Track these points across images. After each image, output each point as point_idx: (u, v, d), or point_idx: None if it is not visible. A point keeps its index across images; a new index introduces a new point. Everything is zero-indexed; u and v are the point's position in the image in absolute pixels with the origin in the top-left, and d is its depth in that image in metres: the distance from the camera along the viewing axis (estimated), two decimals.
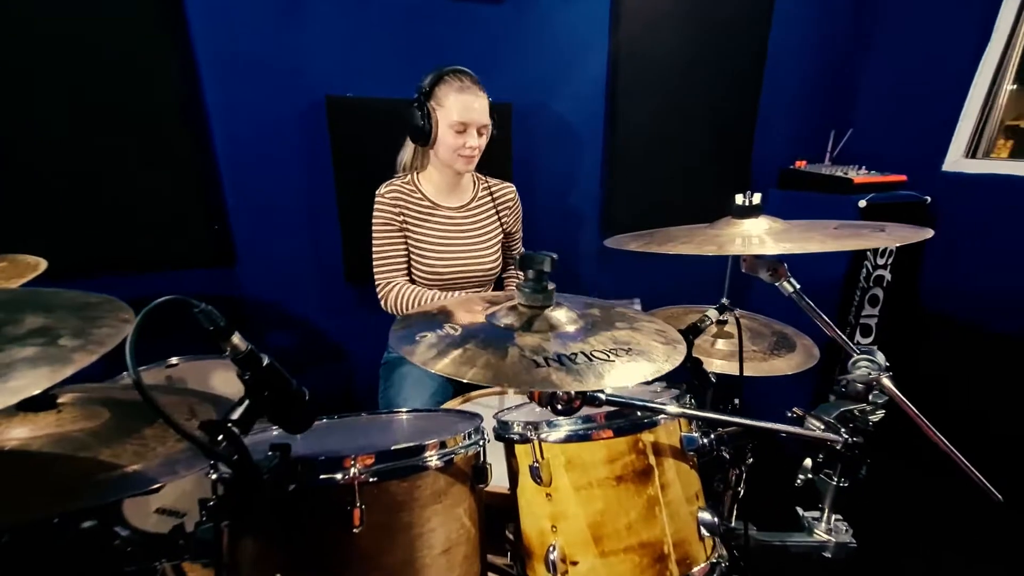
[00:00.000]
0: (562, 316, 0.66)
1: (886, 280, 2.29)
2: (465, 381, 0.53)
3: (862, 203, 2.11)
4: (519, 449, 0.75)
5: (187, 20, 1.59)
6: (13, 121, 1.47)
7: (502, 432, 0.77)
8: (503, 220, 1.66)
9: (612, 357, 0.59)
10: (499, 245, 1.65)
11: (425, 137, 1.42)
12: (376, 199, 1.52)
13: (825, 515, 0.90)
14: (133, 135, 1.59)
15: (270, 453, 0.60)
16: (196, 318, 0.55)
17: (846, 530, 0.89)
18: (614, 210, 2.29)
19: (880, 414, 0.82)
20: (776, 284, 0.89)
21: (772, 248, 0.83)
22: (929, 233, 0.86)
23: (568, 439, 0.71)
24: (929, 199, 2.22)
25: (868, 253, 2.22)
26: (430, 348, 0.58)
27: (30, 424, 0.77)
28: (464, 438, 0.70)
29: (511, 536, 0.80)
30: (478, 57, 1.85)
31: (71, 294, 0.66)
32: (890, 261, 2.26)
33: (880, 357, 0.80)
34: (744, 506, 0.93)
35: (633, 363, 0.60)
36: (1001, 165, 2.13)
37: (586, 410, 0.68)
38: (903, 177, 2.23)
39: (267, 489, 0.57)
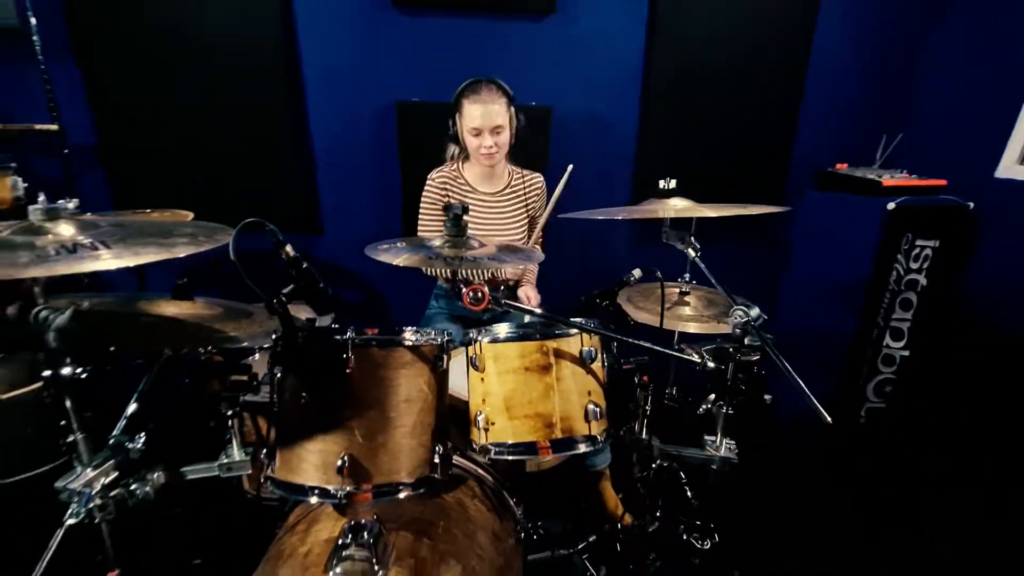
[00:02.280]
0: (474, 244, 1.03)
1: (920, 285, 2.29)
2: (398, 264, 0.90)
3: (891, 205, 2.16)
4: (469, 349, 1.09)
5: (297, 41, 2.10)
6: (173, 118, 2.08)
7: (463, 339, 1.12)
8: (530, 205, 1.98)
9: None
10: (525, 225, 1.98)
11: (455, 140, 1.79)
12: (427, 182, 1.91)
13: (718, 437, 1.14)
14: (253, 127, 2.15)
15: (305, 321, 1.00)
16: (268, 232, 0.95)
17: (732, 449, 1.12)
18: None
19: (755, 356, 1.04)
20: (684, 249, 1.13)
21: (675, 212, 1.09)
22: (768, 209, 1.07)
23: (495, 341, 1.05)
24: (972, 204, 2.19)
25: (899, 256, 2.25)
26: (386, 251, 0.96)
27: (176, 306, 1.25)
28: (432, 334, 1.05)
29: None
30: (522, 65, 2.20)
31: (206, 223, 1.11)
32: (925, 266, 2.26)
33: (755, 311, 1.02)
34: (656, 425, 1.19)
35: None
36: None
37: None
38: (942, 181, 2.22)
39: (302, 341, 0.97)
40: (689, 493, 1.58)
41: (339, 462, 0.95)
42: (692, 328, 1.44)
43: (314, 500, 0.96)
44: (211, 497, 1.64)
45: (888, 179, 2.21)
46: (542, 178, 2.02)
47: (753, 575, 1.66)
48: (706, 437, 1.16)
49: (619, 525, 1.66)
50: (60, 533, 0.96)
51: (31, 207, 0.91)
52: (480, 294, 0.92)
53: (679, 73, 2.36)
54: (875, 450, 2.46)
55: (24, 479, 1.73)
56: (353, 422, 0.97)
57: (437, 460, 1.04)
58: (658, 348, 1.01)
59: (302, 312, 1.21)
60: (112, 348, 1.04)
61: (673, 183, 1.16)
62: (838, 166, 2.48)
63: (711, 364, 1.00)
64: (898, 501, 2.17)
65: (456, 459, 1.29)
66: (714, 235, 2.63)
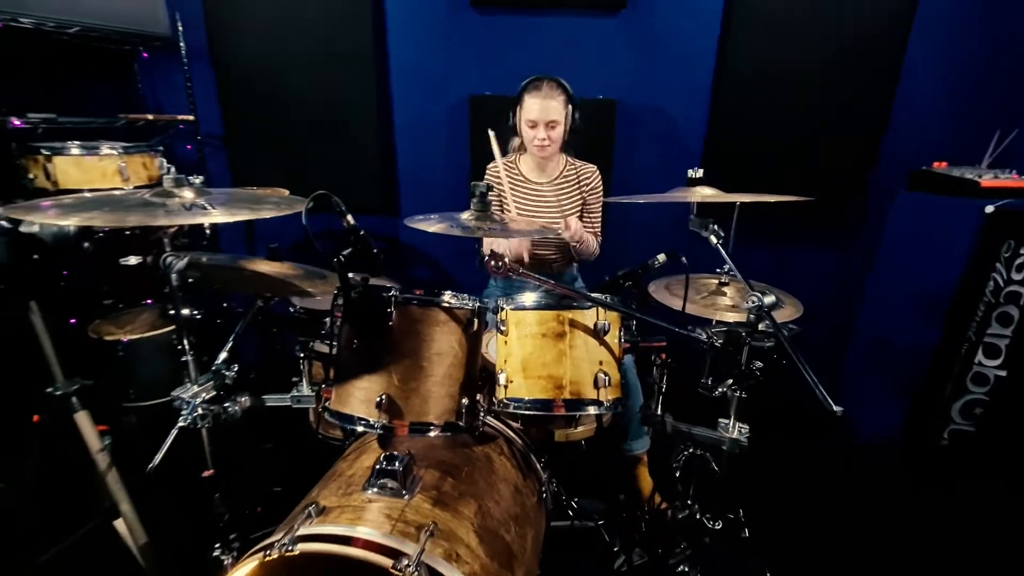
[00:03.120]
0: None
1: None
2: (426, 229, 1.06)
3: (989, 208, 1.97)
4: (498, 315, 1.23)
5: (387, 41, 2.35)
6: (281, 111, 2.41)
7: (492, 307, 1.25)
8: (584, 194, 2.07)
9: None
10: (576, 214, 2.07)
11: (513, 132, 1.92)
12: (487, 171, 2.06)
13: (732, 420, 1.17)
14: (346, 119, 2.43)
15: (359, 279, 1.19)
16: (333, 204, 1.15)
17: (743, 433, 1.15)
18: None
19: (768, 343, 1.07)
20: (707, 235, 1.17)
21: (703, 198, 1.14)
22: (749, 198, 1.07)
23: (518, 308, 1.17)
24: None
25: (998, 266, 2.04)
26: (424, 221, 1.13)
27: (269, 266, 1.51)
28: (467, 298, 1.20)
29: None
30: (590, 60, 2.29)
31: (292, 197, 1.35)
32: None
33: (769, 298, 1.05)
34: (672, 402, 1.24)
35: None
36: None
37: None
38: None
39: (355, 296, 1.16)
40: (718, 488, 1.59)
41: (378, 399, 1.13)
42: (729, 317, 1.46)
43: (360, 428, 1.15)
44: (290, 439, 1.94)
45: (989, 180, 2.01)
46: (596, 169, 2.08)
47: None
48: (720, 420, 1.20)
49: (646, 507, 1.71)
50: (174, 432, 1.24)
51: (164, 176, 1.17)
52: (500, 263, 1.05)
53: (754, 70, 2.30)
54: (957, 476, 2.25)
55: (163, 402, 2.16)
56: (391, 367, 1.15)
57: (463, 410, 1.19)
58: (667, 326, 1.07)
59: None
60: (217, 287, 1.30)
61: (700, 172, 1.20)
62: (935, 165, 2.29)
63: (718, 344, 1.04)
64: (973, 540, 1.98)
65: (490, 420, 1.44)
66: (792, 238, 2.54)
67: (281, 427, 1.99)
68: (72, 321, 2.11)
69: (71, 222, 1.00)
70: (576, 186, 2.06)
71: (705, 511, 1.55)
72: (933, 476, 2.27)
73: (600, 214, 2.13)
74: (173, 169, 1.23)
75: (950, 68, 2.30)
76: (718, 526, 1.42)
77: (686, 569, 1.46)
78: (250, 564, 0.98)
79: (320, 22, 2.31)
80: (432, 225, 1.10)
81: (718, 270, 1.49)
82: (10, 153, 1.86)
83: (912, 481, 2.26)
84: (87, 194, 1.37)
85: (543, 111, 1.82)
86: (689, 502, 1.55)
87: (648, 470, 1.99)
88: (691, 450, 1.49)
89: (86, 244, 1.88)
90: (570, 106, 1.88)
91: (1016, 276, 2.03)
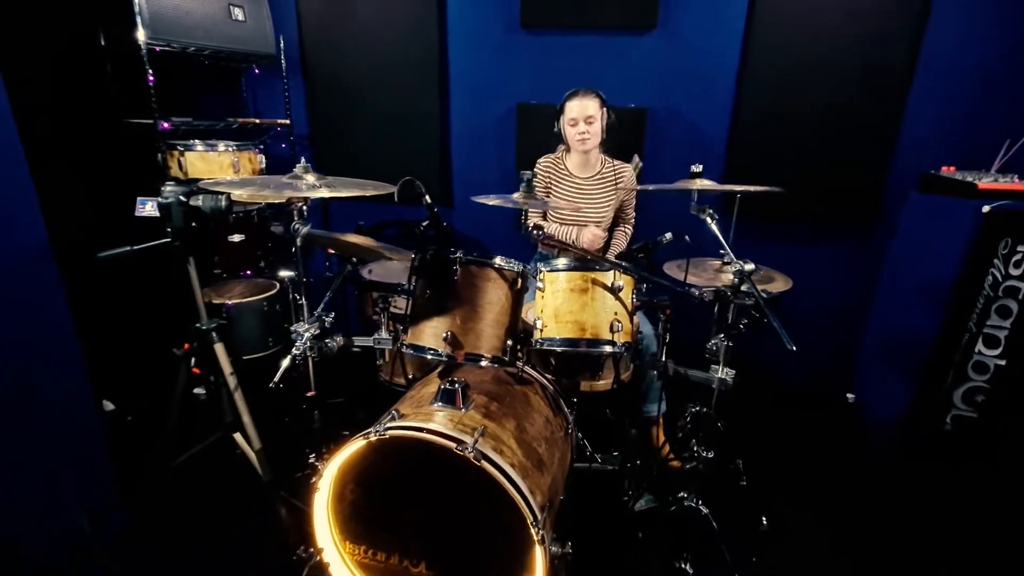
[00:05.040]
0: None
1: (1022, 292, 2.23)
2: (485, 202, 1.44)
3: (986, 208, 2.16)
4: (538, 276, 1.58)
5: (447, 54, 2.75)
6: (357, 115, 2.86)
7: (532, 270, 1.61)
8: (619, 188, 2.40)
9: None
10: (611, 207, 2.40)
11: (559, 137, 2.28)
12: (536, 165, 2.43)
13: (720, 365, 1.47)
14: (413, 123, 2.87)
15: (432, 250, 1.56)
16: (417, 189, 1.53)
17: (730, 375, 1.45)
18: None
19: (749, 300, 1.37)
20: (704, 217, 1.47)
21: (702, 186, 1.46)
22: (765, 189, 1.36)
23: (553, 270, 1.53)
24: None
25: (996, 262, 2.23)
26: (486, 197, 1.50)
27: (357, 238, 1.91)
28: (513, 262, 1.55)
29: None
30: (624, 73, 2.61)
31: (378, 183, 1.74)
32: None
33: (749, 266, 1.35)
34: (674, 350, 1.56)
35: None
36: None
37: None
38: None
39: (429, 257, 1.54)
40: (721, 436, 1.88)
41: (444, 335, 1.50)
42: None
43: (429, 357, 1.53)
44: (364, 391, 2.34)
45: (987, 182, 2.20)
46: (630, 168, 2.42)
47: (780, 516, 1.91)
48: (712, 366, 1.51)
49: (657, 459, 2.01)
50: (289, 358, 1.65)
51: (297, 165, 1.58)
52: (540, 231, 1.40)
53: (772, 82, 2.56)
54: (961, 459, 2.43)
55: (256, 357, 2.63)
56: (455, 311, 1.52)
57: (507, 349, 1.54)
58: (669, 284, 1.39)
59: None
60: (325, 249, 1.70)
61: (700, 167, 1.52)
62: (944, 169, 2.48)
63: (707, 299, 1.36)
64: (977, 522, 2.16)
65: (527, 369, 1.79)
66: (810, 239, 2.78)
67: (354, 380, 2.40)
68: None
69: (240, 192, 1.42)
70: (613, 182, 2.39)
71: (707, 458, 1.84)
72: (935, 456, 2.46)
73: (633, 207, 2.47)
74: (304, 161, 1.63)
75: (960, 77, 2.48)
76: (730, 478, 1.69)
77: (693, 505, 1.74)
78: (356, 444, 1.36)
79: (392, 38, 2.74)
80: (492, 199, 1.46)
81: (721, 251, 1.79)
82: (159, 148, 2.36)
83: (913, 459, 2.46)
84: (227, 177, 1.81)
85: (581, 109, 2.18)
86: (695, 452, 1.84)
87: (663, 431, 2.29)
88: (696, 408, 1.79)
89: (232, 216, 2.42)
90: (604, 108, 2.22)
91: (1014, 271, 2.21)
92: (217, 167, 2.50)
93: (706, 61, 2.59)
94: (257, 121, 2.72)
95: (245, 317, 2.63)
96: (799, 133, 2.63)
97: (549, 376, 1.85)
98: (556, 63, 2.68)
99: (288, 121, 2.84)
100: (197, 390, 2.50)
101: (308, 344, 1.64)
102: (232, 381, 1.82)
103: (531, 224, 1.40)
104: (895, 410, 2.55)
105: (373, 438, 1.34)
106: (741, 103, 2.63)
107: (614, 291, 1.46)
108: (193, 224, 1.67)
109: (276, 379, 1.63)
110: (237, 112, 2.83)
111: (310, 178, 1.57)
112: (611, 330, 1.45)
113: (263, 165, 2.76)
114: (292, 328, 1.64)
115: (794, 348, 1.23)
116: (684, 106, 2.68)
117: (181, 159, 2.43)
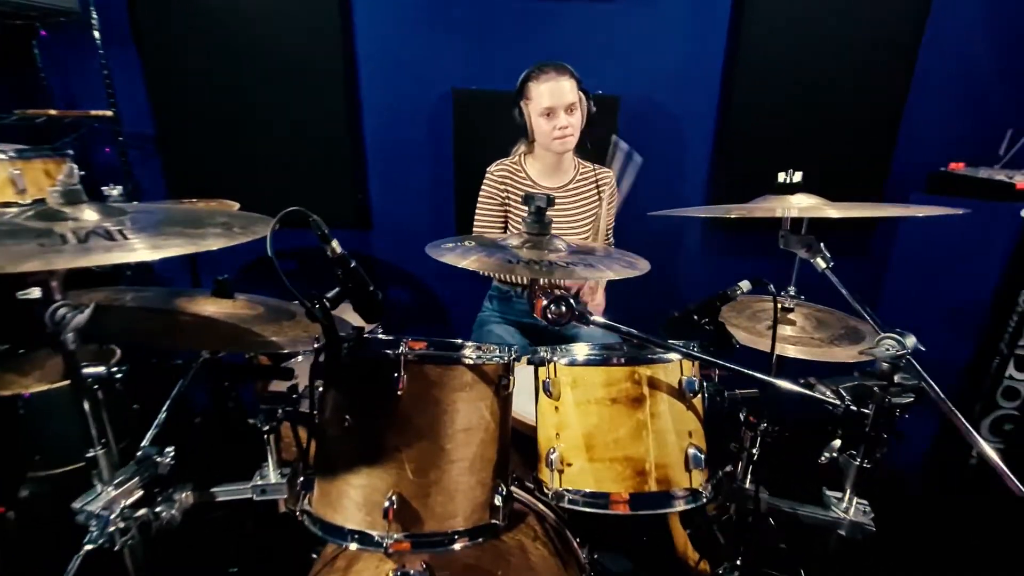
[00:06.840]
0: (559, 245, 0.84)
1: None
2: (466, 267, 0.73)
3: None
4: (540, 370, 0.91)
5: (352, 20, 1.98)
6: (228, 109, 2.01)
7: (532, 357, 0.94)
8: (603, 199, 1.79)
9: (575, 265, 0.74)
10: (592, 222, 1.79)
11: (524, 132, 1.62)
12: (486, 175, 1.75)
13: (847, 495, 0.91)
14: (304, 114, 2.07)
15: (351, 332, 0.84)
16: (312, 225, 0.81)
17: (865, 512, 0.89)
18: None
19: (908, 399, 0.81)
20: (811, 260, 0.91)
21: (799, 212, 0.87)
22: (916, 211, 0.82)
23: (574, 363, 0.86)
24: None
25: None
26: (451, 251, 0.79)
27: (216, 305, 1.14)
28: (497, 350, 0.88)
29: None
30: (588, 51, 2.01)
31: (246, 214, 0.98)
32: None
33: (911, 340, 0.79)
34: (762, 471, 0.97)
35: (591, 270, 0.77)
36: None
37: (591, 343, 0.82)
38: None
39: (346, 354, 0.82)
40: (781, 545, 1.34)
41: (386, 502, 0.79)
42: (792, 352, 1.21)
43: (354, 547, 0.80)
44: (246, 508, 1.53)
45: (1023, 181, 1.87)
46: (611, 172, 1.83)
47: None
48: (828, 492, 0.94)
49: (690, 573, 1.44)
50: (77, 561, 0.85)
51: (50, 189, 0.80)
52: (564, 307, 0.74)
53: (767, 65, 2.11)
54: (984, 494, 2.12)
55: (73, 470, 1.71)
56: (403, 453, 0.81)
57: (499, 503, 0.87)
58: (776, 381, 0.79)
59: (348, 315, 1.07)
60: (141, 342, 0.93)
61: (798, 176, 0.94)
62: (952, 166, 2.15)
63: (853, 408, 0.78)
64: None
65: (514, 491, 1.12)
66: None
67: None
68: None
69: None
70: (595, 191, 1.78)
71: None
72: (960, 492, 2.13)
73: (613, 220, 1.88)
74: (75, 172, 0.85)
75: (962, 67, 2.19)
76: None
77: None
78: None
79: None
80: (471, 260, 0.76)
81: (784, 293, 1.23)
82: None
83: (937, 498, 2.12)
84: None
85: (557, 94, 1.54)
86: (738, 563, 1.28)
87: (680, 519, 1.72)
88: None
89: None
90: (581, 91, 1.60)
91: None
92: None
93: (690, 38, 2.07)
94: (53, 113, 1.78)
95: (57, 409, 1.71)
96: (796, 125, 2.20)
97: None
98: (500, 37, 2.02)
99: (111, 113, 1.91)
100: None
101: (118, 528, 0.85)
102: None
103: (538, 292, 0.72)
104: (916, 449, 2.21)
105: None
106: (732, 93, 2.14)
107: (685, 395, 0.84)
108: None
109: None
110: (29, 101, 1.86)
111: (87, 216, 0.79)
112: (687, 467, 0.82)
113: (75, 179, 1.83)
114: (76, 506, 0.84)
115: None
116: (663, 94, 2.14)
117: None
